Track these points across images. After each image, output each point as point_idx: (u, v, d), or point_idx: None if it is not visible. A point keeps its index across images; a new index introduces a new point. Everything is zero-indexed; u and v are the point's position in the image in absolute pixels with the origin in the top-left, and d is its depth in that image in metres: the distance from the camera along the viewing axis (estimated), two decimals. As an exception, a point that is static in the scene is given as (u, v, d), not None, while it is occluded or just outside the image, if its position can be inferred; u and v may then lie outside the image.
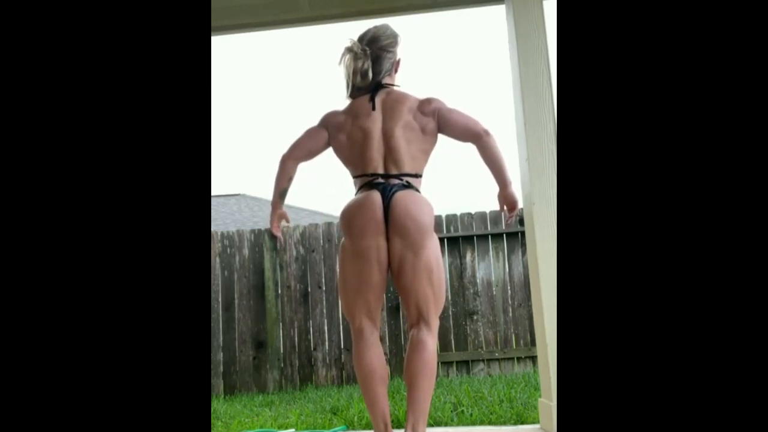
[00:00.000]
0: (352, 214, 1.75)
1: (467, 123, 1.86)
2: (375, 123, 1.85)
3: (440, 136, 1.90)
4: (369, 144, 1.82)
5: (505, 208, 1.94)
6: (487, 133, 1.85)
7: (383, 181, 1.78)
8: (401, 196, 1.73)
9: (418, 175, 1.84)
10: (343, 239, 1.80)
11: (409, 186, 1.78)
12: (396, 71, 1.98)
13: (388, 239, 1.73)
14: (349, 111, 1.92)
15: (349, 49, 1.90)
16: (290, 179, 1.94)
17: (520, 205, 2.00)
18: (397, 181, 1.78)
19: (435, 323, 1.73)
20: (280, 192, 1.94)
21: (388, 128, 1.83)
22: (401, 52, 1.99)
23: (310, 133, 1.94)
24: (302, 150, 1.94)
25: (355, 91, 1.92)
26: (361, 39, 1.93)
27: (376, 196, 1.73)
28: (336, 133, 1.90)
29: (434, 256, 1.74)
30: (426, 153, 1.88)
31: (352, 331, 1.77)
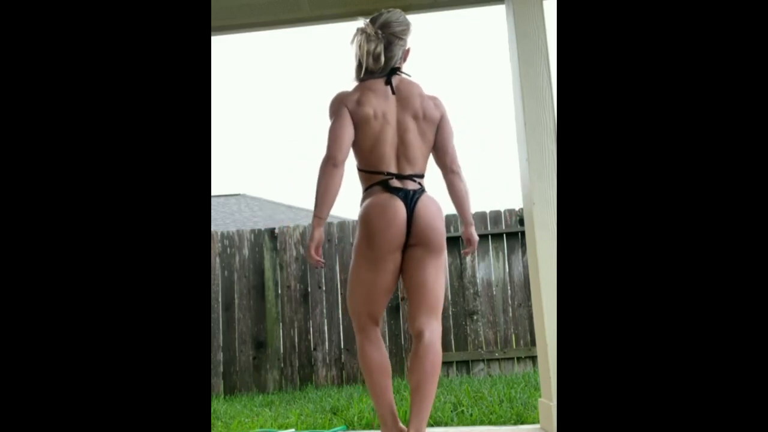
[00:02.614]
0: (375, 223, 1.71)
1: (451, 150, 1.87)
2: (391, 108, 1.79)
3: None
4: (384, 137, 1.77)
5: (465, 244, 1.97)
6: (458, 171, 1.88)
7: (401, 186, 1.75)
8: (423, 207, 1.74)
9: (423, 175, 1.84)
10: (359, 239, 1.76)
11: (423, 189, 1.80)
12: (405, 60, 1.94)
13: (407, 245, 1.74)
14: (364, 88, 1.82)
15: (362, 30, 1.85)
16: (339, 189, 1.74)
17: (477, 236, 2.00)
18: (415, 186, 1.77)
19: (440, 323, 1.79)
20: (329, 208, 1.73)
21: (402, 117, 1.80)
22: (411, 41, 1.95)
23: (342, 122, 1.77)
24: (347, 144, 1.76)
25: (366, 74, 1.86)
26: (373, 21, 1.88)
27: (401, 208, 1.71)
28: (356, 110, 1.78)
29: (443, 259, 1.80)
30: (430, 148, 1.87)
31: (356, 329, 1.79)
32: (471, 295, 4.70)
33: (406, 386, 3.71)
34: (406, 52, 1.94)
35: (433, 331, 1.71)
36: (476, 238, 1.96)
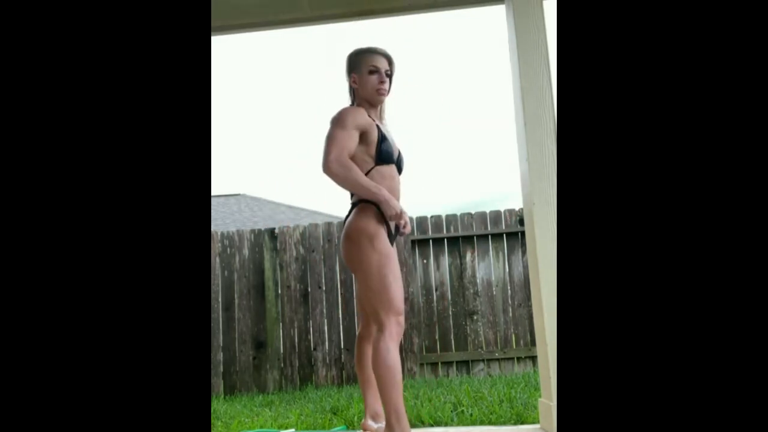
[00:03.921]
0: None
1: (325, 151, 1.86)
2: None
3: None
4: None
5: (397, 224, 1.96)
6: (324, 169, 1.84)
7: None
8: (341, 242, 1.95)
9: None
10: None
11: (354, 204, 1.94)
12: (355, 89, 2.05)
13: None
14: None
15: None
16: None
17: (412, 213, 2.05)
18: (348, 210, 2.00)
19: (387, 322, 1.81)
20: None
21: None
22: (352, 67, 2.05)
23: None
24: None
25: None
26: None
27: None
28: None
29: (367, 269, 1.84)
30: (355, 159, 1.91)
31: None
32: (471, 295, 4.70)
33: (406, 385, 3.70)
34: (351, 85, 2.06)
35: (373, 335, 1.85)
36: (394, 213, 1.87)
